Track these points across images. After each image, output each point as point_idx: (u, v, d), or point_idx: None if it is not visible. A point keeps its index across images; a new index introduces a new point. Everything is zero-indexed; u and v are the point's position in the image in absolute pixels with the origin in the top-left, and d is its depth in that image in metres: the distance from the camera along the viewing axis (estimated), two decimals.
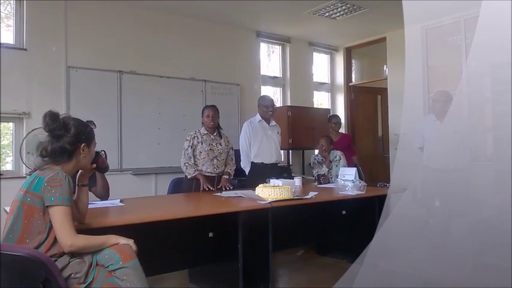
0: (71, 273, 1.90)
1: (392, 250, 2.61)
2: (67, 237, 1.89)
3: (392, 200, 3.53)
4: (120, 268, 1.93)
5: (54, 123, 2.03)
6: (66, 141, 2.04)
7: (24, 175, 4.15)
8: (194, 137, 4.01)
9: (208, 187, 3.86)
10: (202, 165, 3.99)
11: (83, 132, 2.12)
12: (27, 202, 1.91)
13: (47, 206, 1.90)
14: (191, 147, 3.98)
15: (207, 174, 3.99)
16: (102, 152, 2.60)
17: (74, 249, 1.92)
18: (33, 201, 1.90)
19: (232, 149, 4.24)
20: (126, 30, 5.18)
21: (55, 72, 4.68)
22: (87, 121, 2.30)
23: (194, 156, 3.99)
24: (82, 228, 2.20)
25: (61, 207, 1.90)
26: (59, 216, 1.89)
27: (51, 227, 1.91)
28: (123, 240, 2.03)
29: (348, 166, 4.61)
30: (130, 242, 2.04)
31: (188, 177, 3.94)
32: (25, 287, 1.79)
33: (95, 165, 2.29)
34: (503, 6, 2.05)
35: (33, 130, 4.11)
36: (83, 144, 2.11)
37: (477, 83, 2.88)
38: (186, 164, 3.95)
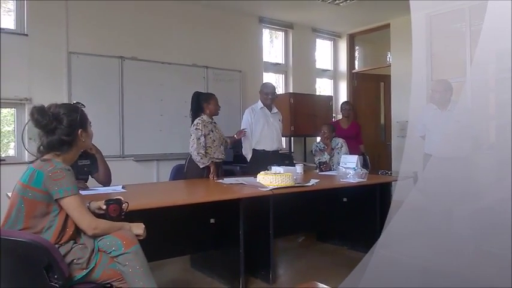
0: (74, 259, 1.91)
1: (392, 237, 2.62)
2: (90, 222, 1.95)
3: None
4: (122, 254, 1.94)
5: (44, 118, 1.96)
6: (63, 133, 1.99)
7: (26, 161, 4.16)
8: (205, 126, 3.96)
9: (215, 177, 3.88)
10: (214, 152, 3.99)
11: (76, 119, 2.04)
12: (28, 197, 1.90)
13: (56, 199, 1.89)
14: (203, 136, 3.94)
15: (218, 160, 4.03)
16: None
17: (99, 231, 1.96)
18: (35, 196, 1.89)
19: None
20: (127, 16, 5.13)
21: (56, 58, 4.66)
22: (75, 103, 2.22)
23: (206, 145, 3.96)
24: None
25: (73, 197, 1.91)
26: (74, 205, 1.92)
27: (56, 216, 1.92)
28: (134, 227, 2.07)
29: (355, 154, 4.58)
30: (141, 225, 2.09)
31: (201, 166, 3.90)
32: (28, 272, 1.81)
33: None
34: None
35: None
36: (80, 130, 2.07)
37: (481, 71, 2.85)
38: (200, 154, 3.88)
